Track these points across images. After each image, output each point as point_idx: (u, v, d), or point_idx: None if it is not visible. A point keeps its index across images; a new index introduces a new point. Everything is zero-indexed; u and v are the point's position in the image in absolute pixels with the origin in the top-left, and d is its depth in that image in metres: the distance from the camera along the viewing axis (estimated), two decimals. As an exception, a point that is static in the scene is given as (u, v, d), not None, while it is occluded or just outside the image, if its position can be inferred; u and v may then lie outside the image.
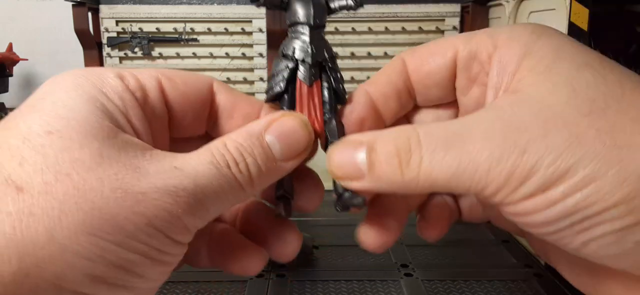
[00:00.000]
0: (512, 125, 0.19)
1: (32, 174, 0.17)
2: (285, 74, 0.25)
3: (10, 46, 0.82)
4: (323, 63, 0.26)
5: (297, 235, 0.27)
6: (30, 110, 0.19)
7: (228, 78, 0.71)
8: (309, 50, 0.25)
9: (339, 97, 0.26)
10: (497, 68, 0.22)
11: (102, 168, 0.18)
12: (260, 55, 0.70)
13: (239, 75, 0.71)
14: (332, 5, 0.26)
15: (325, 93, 0.26)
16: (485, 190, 0.20)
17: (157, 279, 0.21)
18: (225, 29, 0.70)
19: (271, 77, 0.26)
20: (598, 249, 0.19)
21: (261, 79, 0.71)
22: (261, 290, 0.42)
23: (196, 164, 0.20)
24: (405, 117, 0.28)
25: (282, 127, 0.23)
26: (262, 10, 0.67)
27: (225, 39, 0.70)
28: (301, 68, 0.25)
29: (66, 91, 0.20)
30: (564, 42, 0.21)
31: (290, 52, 0.25)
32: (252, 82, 0.72)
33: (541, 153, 0.19)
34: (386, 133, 0.22)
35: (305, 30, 0.25)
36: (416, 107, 0.28)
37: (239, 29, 0.70)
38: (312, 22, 0.25)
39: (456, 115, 0.27)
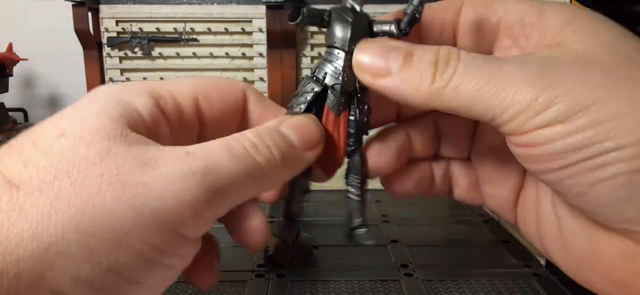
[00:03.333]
0: (551, 60, 0.20)
1: (33, 173, 0.17)
2: (309, 97, 0.24)
3: (10, 46, 0.82)
4: (353, 93, 0.25)
5: (265, 228, 0.25)
6: (54, 119, 0.20)
7: (228, 78, 0.71)
8: (340, 78, 0.24)
9: (362, 130, 0.26)
10: (539, 31, 0.22)
11: (105, 163, 0.17)
12: (260, 55, 0.70)
13: (239, 75, 0.71)
14: (375, 29, 0.25)
15: (353, 125, 0.25)
16: (504, 114, 0.19)
17: (157, 287, 0.19)
18: (225, 28, 0.70)
19: (295, 95, 0.25)
20: (606, 191, 0.19)
21: (261, 79, 0.71)
22: (261, 290, 0.42)
23: (209, 148, 0.20)
24: None
25: (297, 123, 0.23)
26: (262, 10, 0.67)
27: (225, 38, 0.70)
28: (330, 95, 0.25)
29: (95, 101, 0.20)
30: (604, 19, 0.22)
31: (320, 76, 0.25)
32: (252, 82, 0.72)
33: (573, 84, 0.19)
34: (426, 45, 0.22)
35: (340, 55, 0.24)
36: None
37: (239, 29, 0.70)
38: (347, 48, 0.24)
39: None
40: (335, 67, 0.24)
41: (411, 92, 0.21)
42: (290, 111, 0.25)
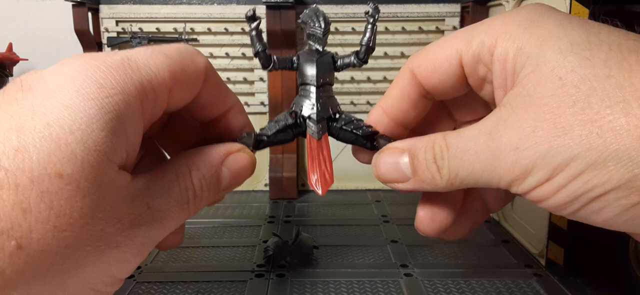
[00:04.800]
0: (506, 126, 0.22)
1: (33, 227, 0.17)
2: (281, 125, 0.28)
3: (10, 46, 0.82)
4: (330, 118, 0.28)
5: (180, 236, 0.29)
6: (45, 130, 0.18)
7: (228, 78, 0.71)
8: (314, 108, 0.28)
9: (364, 135, 0.28)
10: (497, 68, 0.24)
11: (94, 223, 0.19)
12: (260, 55, 0.70)
13: (239, 75, 0.71)
14: (338, 64, 0.29)
15: (350, 136, 0.29)
16: (500, 184, 0.22)
17: None
18: (225, 29, 0.70)
19: (273, 121, 0.29)
20: (621, 224, 0.20)
21: (261, 79, 0.71)
22: (261, 290, 0.43)
23: (165, 207, 0.22)
24: (441, 106, 0.30)
25: (237, 164, 0.25)
26: (262, 10, 0.67)
27: (225, 39, 0.70)
28: (309, 124, 0.28)
29: (89, 117, 0.19)
30: (551, 26, 0.22)
31: (297, 110, 0.28)
32: (252, 82, 0.72)
33: (534, 149, 0.20)
34: (422, 141, 0.25)
35: (312, 90, 0.28)
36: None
37: (238, 29, 0.70)
38: (316, 82, 0.28)
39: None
40: (310, 100, 0.28)
41: (431, 187, 0.25)
42: (262, 131, 0.29)
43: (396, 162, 0.25)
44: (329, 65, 0.28)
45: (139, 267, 0.47)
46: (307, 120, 0.28)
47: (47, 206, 0.18)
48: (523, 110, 0.21)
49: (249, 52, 0.70)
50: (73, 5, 0.66)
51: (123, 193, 0.20)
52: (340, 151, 0.71)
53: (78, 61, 0.20)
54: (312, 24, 0.28)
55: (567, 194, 0.20)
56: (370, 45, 0.27)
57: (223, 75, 0.71)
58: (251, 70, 0.71)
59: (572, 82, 0.20)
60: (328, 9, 0.68)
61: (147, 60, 0.22)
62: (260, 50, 0.28)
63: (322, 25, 0.28)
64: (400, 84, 0.28)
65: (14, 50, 0.82)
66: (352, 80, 0.71)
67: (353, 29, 0.69)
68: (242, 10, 0.69)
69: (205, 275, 0.45)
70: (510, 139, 0.21)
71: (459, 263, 0.48)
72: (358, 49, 0.28)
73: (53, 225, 0.18)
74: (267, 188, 0.71)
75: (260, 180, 0.72)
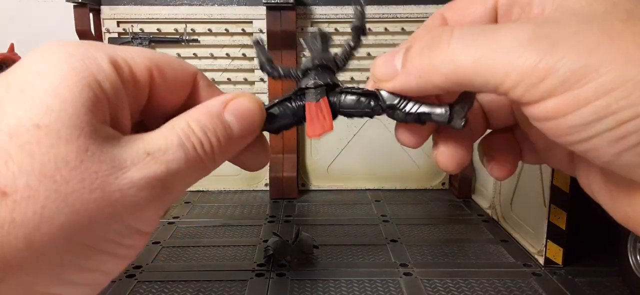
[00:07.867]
0: (545, 22, 0.19)
1: (17, 175, 0.17)
2: (279, 98, 0.28)
3: (11, 47, 0.82)
4: (328, 85, 0.28)
5: (267, 150, 0.27)
6: (19, 95, 0.19)
7: (228, 78, 0.71)
8: (312, 82, 0.28)
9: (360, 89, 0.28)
10: (538, 2, 0.22)
11: (84, 166, 0.18)
12: (261, 55, 0.70)
13: (240, 76, 0.71)
14: (340, 65, 0.28)
15: (348, 100, 0.28)
16: (506, 81, 0.19)
17: (116, 273, 0.21)
18: (226, 29, 0.70)
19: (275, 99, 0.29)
20: (632, 159, 0.18)
21: (262, 80, 0.71)
22: (261, 289, 0.43)
23: (166, 148, 0.21)
24: None
25: (239, 108, 0.24)
26: (262, 11, 0.68)
27: (226, 39, 0.70)
28: (308, 92, 0.28)
29: (61, 77, 0.19)
30: None
31: (297, 87, 0.28)
32: (252, 83, 0.72)
33: (570, 46, 0.18)
34: (428, 34, 0.23)
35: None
36: None
37: (239, 30, 0.70)
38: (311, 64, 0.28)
39: None
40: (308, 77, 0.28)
41: (415, 81, 0.22)
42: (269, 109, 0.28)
43: (392, 57, 0.24)
44: (329, 71, 0.29)
45: (139, 267, 0.47)
46: (306, 90, 0.29)
47: (29, 155, 0.18)
48: (567, 16, 0.19)
49: (250, 52, 0.71)
50: (74, 6, 0.67)
51: (113, 141, 0.20)
52: (340, 151, 0.71)
53: (49, 43, 0.21)
54: (312, 46, 0.29)
55: (592, 111, 0.17)
56: (358, 25, 0.27)
57: (224, 76, 0.71)
58: (252, 70, 0.71)
59: (625, 7, 0.18)
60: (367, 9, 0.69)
61: (123, 48, 0.23)
62: (264, 61, 0.28)
63: (320, 42, 0.28)
64: (429, 25, 0.27)
65: (16, 50, 0.82)
66: (352, 80, 0.71)
67: (386, 29, 0.69)
68: (243, 11, 0.69)
69: (205, 275, 0.45)
70: (547, 33, 0.18)
71: (458, 262, 0.48)
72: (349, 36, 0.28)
73: (39, 171, 0.17)
74: (267, 188, 0.71)
75: (260, 180, 0.72)
